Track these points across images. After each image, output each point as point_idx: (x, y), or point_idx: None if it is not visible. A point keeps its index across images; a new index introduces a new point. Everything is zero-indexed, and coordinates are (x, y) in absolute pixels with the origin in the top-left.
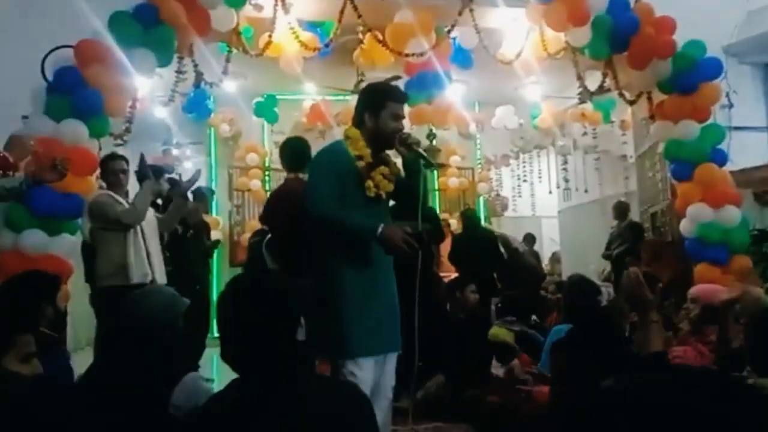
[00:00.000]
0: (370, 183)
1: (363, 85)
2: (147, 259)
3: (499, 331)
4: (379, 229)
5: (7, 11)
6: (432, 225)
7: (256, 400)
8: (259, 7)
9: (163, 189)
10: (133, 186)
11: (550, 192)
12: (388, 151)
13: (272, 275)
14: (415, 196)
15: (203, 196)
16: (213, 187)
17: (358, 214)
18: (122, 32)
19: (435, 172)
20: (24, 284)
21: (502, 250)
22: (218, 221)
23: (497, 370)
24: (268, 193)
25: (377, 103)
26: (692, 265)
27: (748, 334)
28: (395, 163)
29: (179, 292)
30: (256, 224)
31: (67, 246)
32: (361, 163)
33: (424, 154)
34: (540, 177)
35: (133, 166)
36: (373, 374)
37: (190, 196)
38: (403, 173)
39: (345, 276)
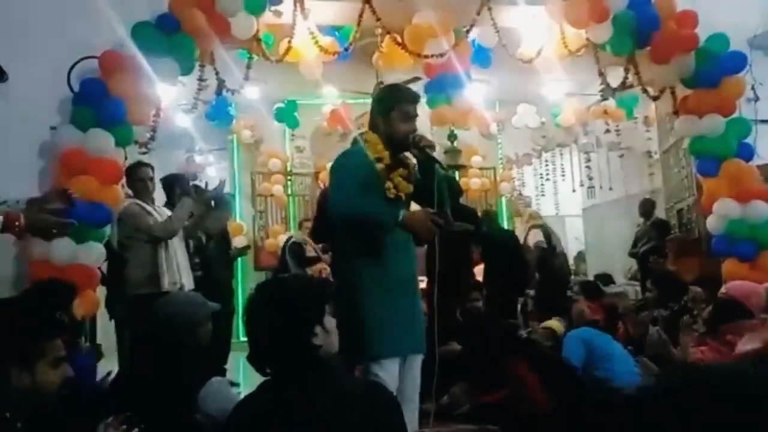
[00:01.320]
0: (389, 184)
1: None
2: (176, 266)
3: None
4: (401, 215)
5: (32, 23)
6: (472, 225)
7: (280, 402)
8: (278, 13)
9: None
10: (159, 194)
11: (574, 190)
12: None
13: (291, 280)
14: (430, 198)
15: (226, 204)
16: (234, 193)
17: (378, 207)
18: (145, 42)
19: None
20: (43, 292)
21: (542, 239)
22: (242, 226)
23: None
24: (290, 198)
25: (387, 106)
26: (720, 262)
27: None
28: (415, 165)
29: (206, 296)
30: (279, 229)
31: (95, 254)
32: (380, 165)
33: (435, 157)
34: (563, 175)
35: (158, 174)
36: (396, 376)
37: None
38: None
39: (367, 278)
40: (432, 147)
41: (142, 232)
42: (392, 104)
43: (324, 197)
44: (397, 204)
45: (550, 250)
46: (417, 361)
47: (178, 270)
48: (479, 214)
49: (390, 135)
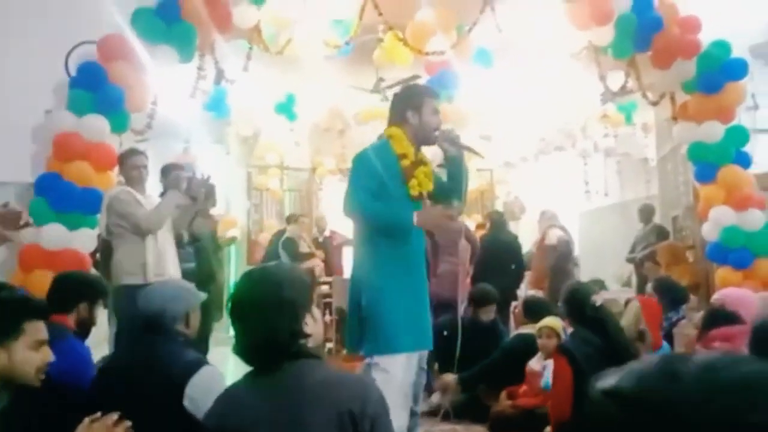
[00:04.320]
0: (414, 182)
1: (382, 84)
2: (164, 257)
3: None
4: (414, 216)
5: (31, 5)
6: None
7: (265, 390)
8: None
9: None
10: (152, 185)
11: (571, 195)
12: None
13: (280, 268)
14: (457, 195)
15: (213, 196)
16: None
17: (394, 207)
18: (145, 28)
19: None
20: (61, 280)
21: (564, 235)
22: (235, 220)
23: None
24: (286, 192)
25: (418, 101)
26: (712, 269)
27: None
28: (431, 162)
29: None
30: (273, 223)
31: (87, 241)
32: (405, 162)
33: (471, 147)
34: (560, 179)
35: (153, 164)
36: (403, 369)
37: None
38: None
39: (381, 273)
40: (458, 139)
41: (130, 224)
42: (423, 98)
43: None
44: (416, 202)
45: (568, 252)
46: (423, 355)
47: (165, 262)
48: (485, 215)
49: (421, 128)
